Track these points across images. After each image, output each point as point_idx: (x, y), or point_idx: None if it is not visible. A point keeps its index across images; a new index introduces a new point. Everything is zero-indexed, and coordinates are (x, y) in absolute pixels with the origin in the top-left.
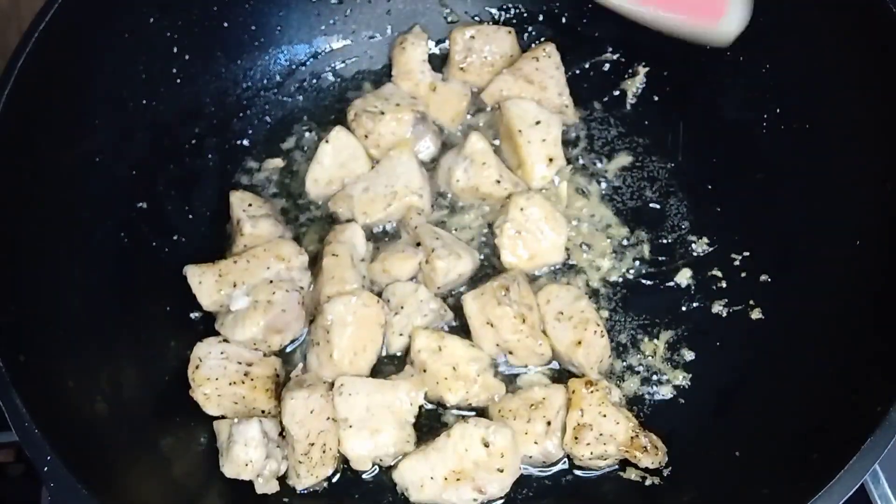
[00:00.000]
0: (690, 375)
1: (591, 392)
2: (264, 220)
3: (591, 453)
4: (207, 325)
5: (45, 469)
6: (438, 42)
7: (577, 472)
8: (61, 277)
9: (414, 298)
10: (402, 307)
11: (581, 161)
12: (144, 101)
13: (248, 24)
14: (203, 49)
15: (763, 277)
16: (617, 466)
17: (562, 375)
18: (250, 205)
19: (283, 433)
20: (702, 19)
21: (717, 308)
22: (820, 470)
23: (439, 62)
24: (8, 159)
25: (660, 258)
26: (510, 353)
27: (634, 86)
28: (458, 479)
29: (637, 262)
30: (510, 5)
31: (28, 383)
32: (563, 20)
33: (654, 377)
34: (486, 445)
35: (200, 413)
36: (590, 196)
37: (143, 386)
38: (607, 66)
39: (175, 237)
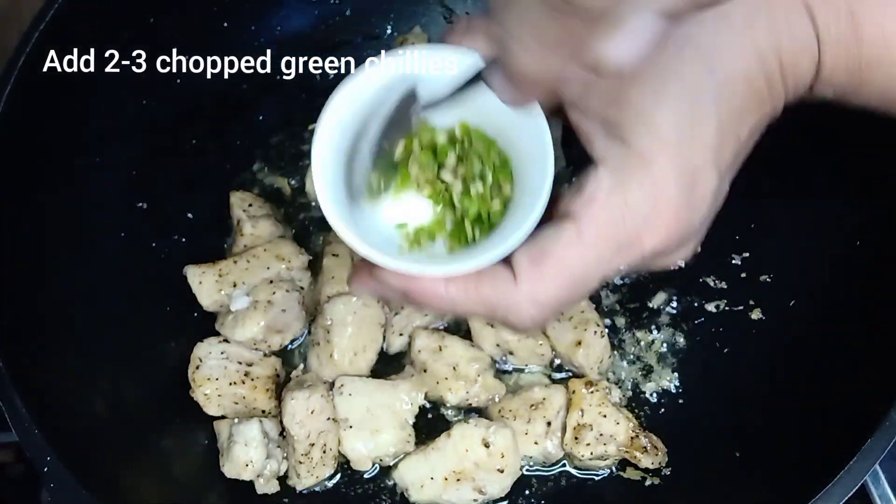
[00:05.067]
0: (690, 375)
1: (591, 392)
2: (264, 220)
3: (591, 453)
4: (207, 325)
5: (45, 469)
6: None
7: (577, 473)
8: (61, 278)
9: None
10: (402, 307)
11: (581, 162)
12: (144, 102)
13: (248, 24)
14: (203, 49)
15: (763, 277)
16: (617, 467)
17: (562, 375)
18: (250, 205)
19: (283, 433)
20: None
21: (717, 308)
22: (820, 470)
23: None
24: (8, 159)
25: None
26: (510, 353)
27: None
28: (458, 480)
29: None
30: None
31: (28, 383)
32: None
33: (654, 377)
34: (487, 446)
35: (200, 413)
36: None
37: (143, 386)
38: None
39: (175, 237)
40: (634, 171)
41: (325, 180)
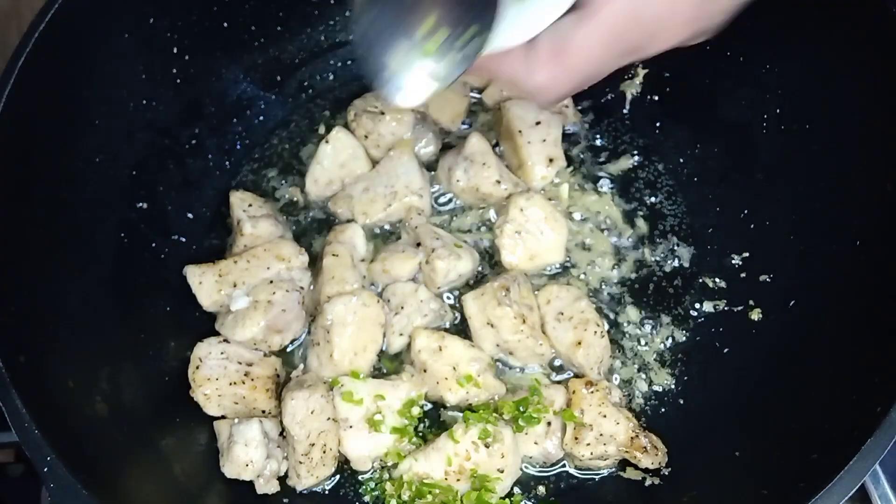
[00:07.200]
0: (690, 375)
1: (591, 392)
2: (264, 220)
3: (591, 453)
4: (207, 325)
5: (45, 469)
6: None
7: (577, 473)
8: (61, 277)
9: (414, 298)
10: (402, 307)
11: (581, 161)
12: (144, 101)
13: (248, 24)
14: (203, 49)
15: (763, 277)
16: (617, 467)
17: (562, 375)
18: (250, 205)
19: (283, 433)
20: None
21: (717, 308)
22: (820, 470)
23: None
24: (8, 159)
25: (659, 258)
26: (510, 353)
27: (634, 86)
28: (458, 480)
29: (637, 263)
30: None
31: (28, 383)
32: None
33: (654, 377)
34: (487, 446)
35: (200, 413)
36: (590, 196)
37: (143, 386)
38: None
39: (175, 237)
40: None
41: None
